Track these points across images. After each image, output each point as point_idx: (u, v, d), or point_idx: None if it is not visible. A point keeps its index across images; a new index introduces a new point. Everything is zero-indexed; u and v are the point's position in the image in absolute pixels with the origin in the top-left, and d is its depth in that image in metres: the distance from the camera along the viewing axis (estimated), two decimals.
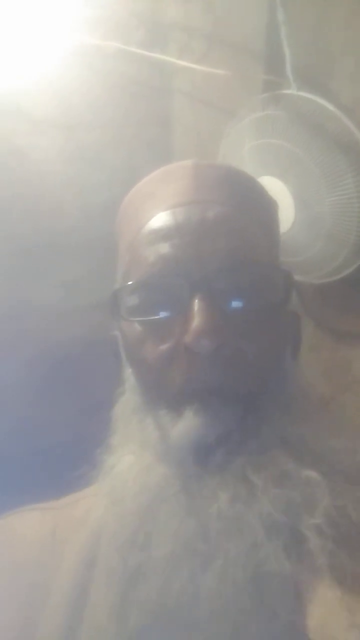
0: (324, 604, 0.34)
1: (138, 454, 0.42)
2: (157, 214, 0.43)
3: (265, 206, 0.49)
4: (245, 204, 0.45)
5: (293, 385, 0.44)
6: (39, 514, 0.49)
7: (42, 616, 0.43)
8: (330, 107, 0.69)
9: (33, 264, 1.05)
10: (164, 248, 0.41)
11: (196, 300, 0.39)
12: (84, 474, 0.45)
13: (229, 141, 0.80)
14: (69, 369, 1.01)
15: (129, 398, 0.46)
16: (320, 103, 0.70)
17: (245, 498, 0.36)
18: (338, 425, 0.44)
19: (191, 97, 0.93)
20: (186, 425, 0.39)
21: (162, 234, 0.42)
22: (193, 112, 0.94)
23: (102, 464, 0.44)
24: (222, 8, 0.85)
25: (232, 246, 0.41)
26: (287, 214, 0.73)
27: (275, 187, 0.73)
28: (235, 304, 0.40)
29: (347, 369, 0.80)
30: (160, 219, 0.43)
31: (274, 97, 0.74)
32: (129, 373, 0.46)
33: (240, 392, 0.40)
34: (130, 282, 0.43)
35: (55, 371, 1.01)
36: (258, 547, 0.35)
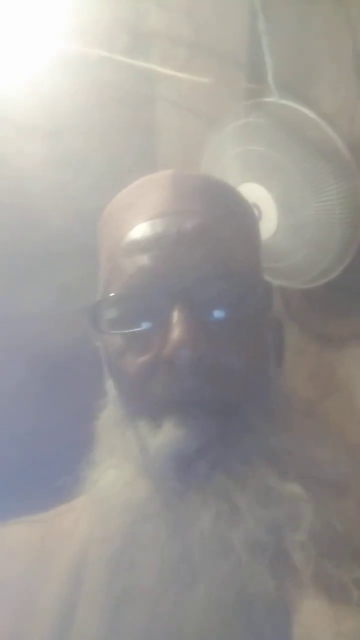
0: (310, 613, 0.34)
1: (121, 468, 0.42)
2: (137, 225, 0.43)
3: (244, 215, 0.49)
4: (223, 213, 0.45)
5: (277, 393, 0.44)
6: (27, 527, 0.49)
7: (29, 628, 0.42)
8: (311, 114, 0.70)
9: (21, 271, 1.05)
10: (143, 260, 0.41)
11: (175, 312, 0.38)
12: (72, 486, 0.45)
13: (212, 148, 0.80)
14: (62, 374, 1.01)
15: (111, 410, 0.46)
16: (302, 111, 0.71)
17: (228, 517, 0.36)
18: (323, 433, 0.44)
19: (175, 104, 0.94)
20: (165, 437, 0.39)
21: (141, 246, 0.42)
22: (177, 119, 0.95)
23: (85, 478, 0.44)
24: (204, 16, 0.85)
25: (210, 256, 0.41)
26: (270, 220, 0.74)
27: (258, 193, 0.74)
28: (216, 314, 0.40)
29: (332, 373, 0.81)
30: (139, 230, 0.43)
31: (256, 105, 0.75)
32: (110, 385, 0.46)
33: (221, 403, 0.40)
34: (109, 295, 0.43)
35: (48, 376, 1.01)
36: (242, 568, 0.35)
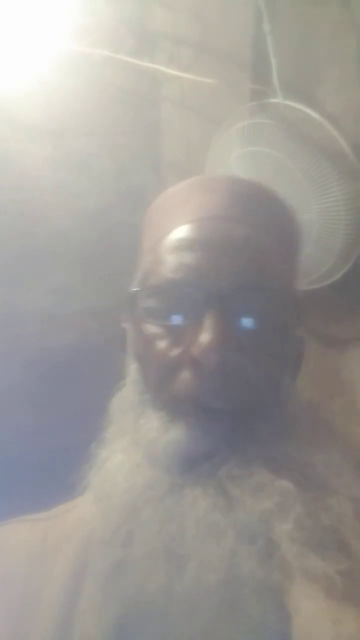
0: (309, 615, 0.35)
1: (129, 452, 0.43)
2: (185, 223, 0.44)
3: (290, 230, 0.50)
4: (270, 226, 0.46)
5: (287, 404, 0.45)
6: (29, 525, 0.49)
7: (32, 626, 0.43)
8: (316, 115, 0.70)
9: (23, 271, 1.05)
10: (187, 258, 0.42)
11: (210, 315, 0.40)
12: (73, 484, 0.45)
13: (216, 149, 0.80)
14: (61, 374, 1.01)
15: (128, 392, 0.47)
16: (306, 112, 0.71)
17: (223, 507, 0.37)
18: (325, 440, 0.44)
19: (179, 105, 0.94)
20: (177, 435, 0.40)
21: (187, 244, 0.43)
22: (181, 119, 0.95)
23: (95, 457, 0.45)
24: (209, 17, 0.85)
25: (252, 267, 0.42)
26: None
27: None
28: (246, 324, 0.41)
29: (335, 375, 0.80)
30: (186, 229, 0.44)
31: (260, 106, 0.75)
32: (133, 368, 0.47)
33: (234, 410, 0.40)
34: (149, 285, 0.44)
35: (47, 377, 1.01)
36: (231, 553, 0.36)
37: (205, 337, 0.39)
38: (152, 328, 0.43)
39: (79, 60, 0.91)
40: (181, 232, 0.44)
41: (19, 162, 0.99)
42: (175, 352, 0.41)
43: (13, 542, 0.48)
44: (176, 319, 0.42)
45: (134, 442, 0.43)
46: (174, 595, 0.36)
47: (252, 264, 0.42)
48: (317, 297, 0.79)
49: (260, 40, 0.74)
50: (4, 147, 0.98)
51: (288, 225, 0.49)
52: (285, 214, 0.49)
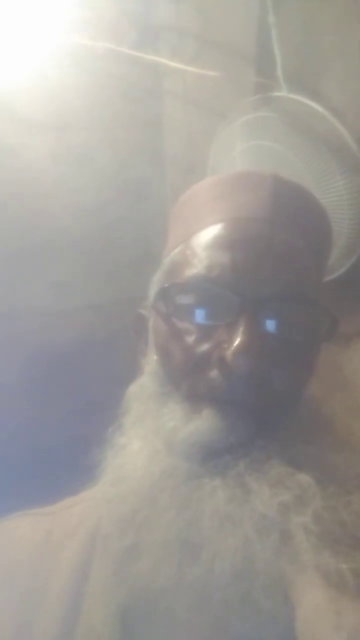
0: (312, 605, 0.35)
1: (148, 439, 0.42)
2: (223, 220, 0.43)
3: (327, 239, 0.49)
4: (310, 233, 0.45)
5: (307, 410, 0.44)
6: (33, 519, 0.49)
7: (37, 621, 0.43)
8: (320, 109, 0.70)
9: (25, 265, 1.05)
10: (224, 257, 0.41)
11: (244, 319, 0.39)
12: (78, 478, 0.45)
13: (220, 143, 0.80)
14: (62, 369, 1.01)
15: (147, 382, 0.46)
16: (311, 105, 0.70)
17: (241, 499, 0.37)
18: (340, 443, 0.44)
19: (182, 98, 0.93)
20: (200, 425, 0.40)
21: (225, 243, 0.42)
22: (184, 113, 0.95)
23: (112, 443, 0.44)
24: (213, 10, 0.85)
25: (290, 276, 0.41)
26: None
27: None
28: (278, 331, 0.41)
29: (338, 370, 0.80)
30: (224, 227, 0.43)
31: (264, 99, 0.74)
32: (153, 359, 0.46)
33: (258, 410, 0.40)
34: (181, 280, 0.43)
35: (48, 372, 1.01)
36: (247, 544, 0.36)
37: (239, 341, 0.38)
38: (180, 323, 0.42)
39: (80, 53, 0.91)
40: (218, 229, 0.43)
41: (20, 156, 0.98)
42: (203, 350, 0.41)
43: (18, 535, 0.48)
44: (207, 318, 0.41)
45: (153, 430, 0.42)
46: (186, 582, 0.36)
47: (290, 272, 0.41)
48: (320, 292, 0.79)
49: (264, 33, 0.74)
50: (5, 141, 0.97)
51: (326, 234, 0.49)
52: (324, 221, 0.48)
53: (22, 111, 0.95)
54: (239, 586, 0.35)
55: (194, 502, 0.38)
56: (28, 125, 0.96)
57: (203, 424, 0.39)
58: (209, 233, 0.43)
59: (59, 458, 0.63)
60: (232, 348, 0.38)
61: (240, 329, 0.39)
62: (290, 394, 0.42)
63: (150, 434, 0.42)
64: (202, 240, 0.43)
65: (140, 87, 0.97)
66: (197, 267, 0.42)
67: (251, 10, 0.76)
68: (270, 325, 0.40)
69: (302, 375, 0.43)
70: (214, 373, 0.40)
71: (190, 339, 0.41)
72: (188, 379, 0.41)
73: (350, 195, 0.69)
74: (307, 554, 0.34)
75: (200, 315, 0.41)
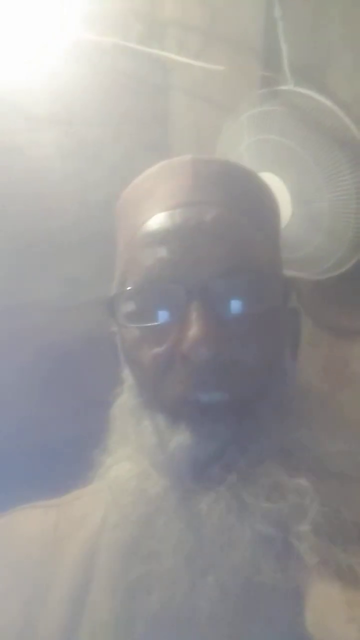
0: (323, 598, 0.35)
1: (134, 459, 0.42)
2: (155, 214, 0.42)
3: (265, 204, 0.47)
4: (244, 204, 0.43)
5: (291, 387, 0.43)
6: (41, 512, 0.49)
7: (43, 613, 0.43)
8: (327, 102, 0.69)
9: (33, 261, 1.05)
10: (161, 252, 0.40)
11: (193, 307, 0.38)
12: (84, 472, 0.46)
13: (226, 137, 0.80)
14: (69, 366, 1.01)
15: (126, 398, 0.45)
16: (318, 99, 0.70)
17: (238, 513, 0.36)
18: (336, 425, 0.44)
19: (189, 92, 0.93)
20: (182, 440, 0.39)
21: (160, 237, 0.41)
22: (191, 107, 0.94)
23: (99, 464, 0.44)
24: (219, 4, 0.84)
25: (229, 251, 0.40)
26: (284, 210, 0.73)
27: (273, 183, 0.73)
28: (233, 309, 0.39)
29: (345, 365, 0.80)
30: (157, 221, 0.41)
31: (271, 93, 0.74)
32: (127, 373, 0.46)
33: (237, 403, 0.39)
34: (127, 288, 0.42)
35: (56, 368, 1.02)
36: (250, 559, 0.35)
37: (191, 331, 0.37)
38: (136, 331, 0.41)
39: (87, 49, 0.91)
40: (153, 224, 0.41)
41: (29, 152, 0.98)
42: (162, 350, 0.40)
43: (25, 527, 0.48)
44: (160, 318, 0.40)
45: (138, 449, 0.42)
46: (199, 604, 0.36)
47: (229, 247, 0.40)
48: (327, 287, 0.79)
49: (270, 26, 0.73)
50: (14, 138, 0.97)
51: (261, 198, 0.47)
52: (255, 187, 0.47)
53: (28, 108, 0.95)
54: (248, 599, 0.35)
55: (193, 522, 0.37)
56: (35, 122, 0.97)
57: (184, 438, 0.39)
58: (144, 232, 0.42)
59: (64, 453, 0.64)
60: (188, 340, 0.37)
61: (192, 318, 0.38)
62: (266, 367, 0.41)
63: (135, 452, 0.42)
64: (139, 241, 0.42)
65: (148, 81, 0.97)
66: (139, 270, 0.41)
67: (258, 4, 0.76)
68: (222, 305, 0.39)
69: (271, 345, 0.42)
70: (180, 372, 0.39)
71: (150, 344, 0.40)
72: (158, 384, 0.40)
73: (357, 190, 0.69)
74: (312, 559, 0.34)
75: (152, 317, 0.40)
